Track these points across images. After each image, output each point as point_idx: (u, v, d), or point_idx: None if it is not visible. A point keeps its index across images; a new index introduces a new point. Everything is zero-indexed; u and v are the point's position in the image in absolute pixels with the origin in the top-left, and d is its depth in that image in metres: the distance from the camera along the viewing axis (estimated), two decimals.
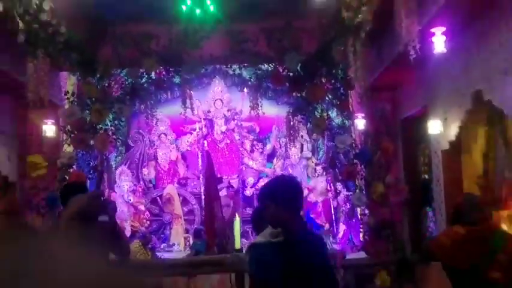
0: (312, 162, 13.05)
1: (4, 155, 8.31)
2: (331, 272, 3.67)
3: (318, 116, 8.98)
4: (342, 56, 7.84)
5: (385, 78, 8.28)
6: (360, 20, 6.87)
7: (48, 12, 6.78)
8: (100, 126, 8.89)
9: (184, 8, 8.06)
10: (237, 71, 10.09)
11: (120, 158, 13.13)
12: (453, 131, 6.99)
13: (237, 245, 11.13)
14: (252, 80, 9.68)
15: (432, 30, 5.76)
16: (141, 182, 12.99)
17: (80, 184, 5.44)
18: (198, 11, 8.13)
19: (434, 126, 7.23)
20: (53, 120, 8.44)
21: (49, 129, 8.32)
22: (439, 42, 5.75)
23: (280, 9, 8.50)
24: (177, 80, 9.90)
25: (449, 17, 5.84)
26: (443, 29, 5.71)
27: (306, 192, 12.54)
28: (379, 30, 7.39)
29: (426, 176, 8.35)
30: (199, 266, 4.90)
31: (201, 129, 13.27)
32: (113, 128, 9.29)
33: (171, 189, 12.80)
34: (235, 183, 12.84)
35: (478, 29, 6.16)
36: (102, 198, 2.44)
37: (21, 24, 6.25)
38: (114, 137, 12.67)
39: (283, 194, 3.45)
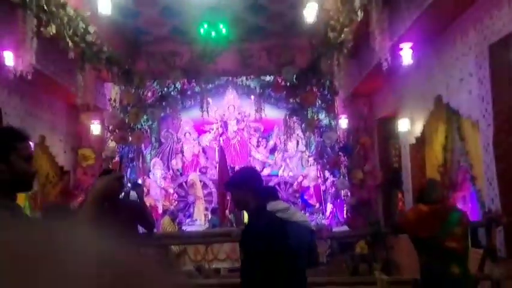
0: (306, 154, 12.86)
1: (61, 148, 8.19)
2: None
3: (310, 118, 8.82)
4: (328, 68, 7.66)
5: (363, 86, 8.07)
6: (342, 39, 6.69)
7: (93, 34, 6.65)
8: (136, 126, 8.78)
9: (202, 30, 7.90)
10: (245, 83, 9.92)
11: (154, 151, 13.01)
12: (418, 128, 6.79)
13: (246, 218, 11.01)
14: (256, 88, 9.51)
15: (401, 45, 5.55)
16: (170, 171, 12.85)
17: (113, 171, 5.23)
18: (213, 33, 7.97)
19: (403, 125, 7.03)
20: (98, 121, 8.32)
21: (95, 128, 8.20)
22: (406, 55, 5.55)
23: (278, 31, 8.34)
24: (198, 89, 9.76)
25: (414, 35, 5.64)
26: (410, 44, 5.51)
27: (300, 178, 12.38)
28: (358, 47, 7.20)
29: (396, 165, 8.14)
30: (213, 237, 4.74)
31: (217, 128, 13.13)
32: (147, 128, 9.19)
33: (194, 176, 12.65)
34: None
35: (438, 45, 5.95)
36: (122, 180, 2.25)
37: (70, 44, 6.10)
38: (149, 135, 12.71)
39: (246, 181, 3.07)
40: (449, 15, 5.37)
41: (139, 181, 8.78)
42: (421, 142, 6.98)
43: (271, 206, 3.41)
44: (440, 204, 4.40)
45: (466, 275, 4.18)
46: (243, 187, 3.00)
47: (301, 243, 3.40)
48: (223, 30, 7.92)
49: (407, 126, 6.94)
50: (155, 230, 4.53)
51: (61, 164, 8.15)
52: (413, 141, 6.98)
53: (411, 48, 5.53)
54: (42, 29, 5.65)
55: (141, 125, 8.97)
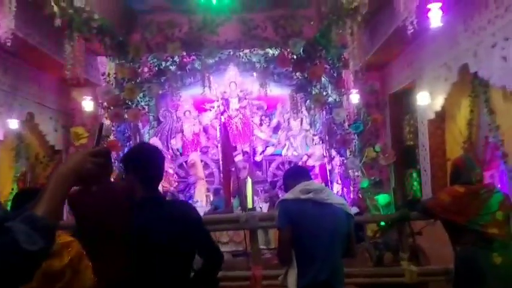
0: (310, 133, 12.21)
1: (51, 126, 7.53)
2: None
3: (317, 93, 8.13)
4: (339, 39, 6.95)
5: (376, 58, 7.38)
6: (357, 4, 5.97)
7: None
8: (133, 102, 8.09)
9: None
10: (249, 56, 9.09)
11: (152, 130, 12.34)
12: (438, 102, 6.13)
13: (249, 202, 10.43)
14: (260, 62, 8.77)
15: (429, 6, 4.83)
16: (170, 150, 12.20)
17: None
18: (214, 0, 7.23)
19: (421, 98, 6.36)
20: (91, 97, 7.63)
21: (88, 104, 7.52)
22: (435, 17, 4.83)
23: None
24: (198, 65, 9.05)
25: None
26: (440, 4, 4.79)
27: (305, 158, 11.74)
28: (373, 14, 6.50)
29: (411, 143, 7.50)
30: (219, 223, 4.13)
31: (218, 106, 12.43)
32: (144, 106, 8.50)
33: (194, 156, 12.01)
34: (248, 150, 12.08)
35: (465, 8, 5.24)
36: (105, 157, 1.54)
37: (55, 9, 5.38)
38: (147, 113, 12.01)
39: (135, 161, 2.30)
40: None
41: None
42: (442, 117, 6.33)
43: (304, 186, 2.88)
44: (479, 185, 3.77)
45: (510, 265, 3.57)
46: (127, 168, 2.27)
47: (336, 229, 2.82)
48: None
49: (427, 100, 6.27)
50: None
51: (52, 143, 7.50)
52: (433, 116, 6.33)
53: (440, 9, 4.80)
54: None
55: (138, 102, 8.27)
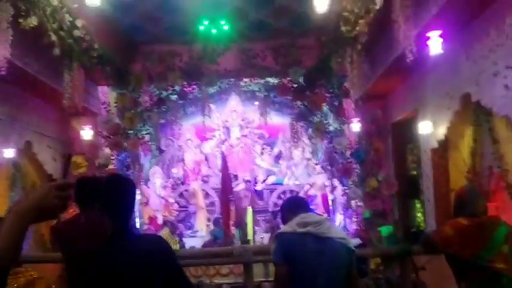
0: (312, 162, 12.07)
1: (50, 155, 7.43)
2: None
3: (318, 122, 8.04)
4: (339, 67, 6.90)
5: (377, 86, 7.27)
6: (356, 33, 5.93)
7: (81, 28, 5.91)
8: (133, 132, 8.02)
9: (202, 27, 7.15)
10: (249, 86, 9.04)
11: (154, 159, 12.25)
12: (441, 131, 6.00)
13: (250, 232, 10.21)
14: (260, 90, 8.72)
15: (428, 34, 4.77)
16: (171, 179, 12.07)
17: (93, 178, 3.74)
18: (214, 30, 7.23)
19: (424, 127, 6.23)
20: (90, 126, 7.55)
21: (87, 133, 7.43)
22: (435, 45, 4.75)
23: (284, 28, 7.59)
24: (199, 94, 9.01)
25: (440, 25, 4.87)
26: (439, 32, 4.72)
27: (307, 187, 11.55)
28: (372, 43, 6.45)
29: (414, 172, 7.34)
30: (212, 256, 3.95)
31: (220, 135, 12.35)
32: (144, 134, 8.42)
33: (195, 185, 11.84)
34: (249, 179, 11.91)
35: (467, 36, 5.17)
36: (67, 191, 1.43)
37: (54, 37, 5.35)
38: (149, 142, 11.92)
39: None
40: (482, 0, 4.62)
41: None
42: (445, 146, 6.18)
43: (301, 219, 2.74)
44: (483, 217, 3.60)
45: None
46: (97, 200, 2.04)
47: (336, 265, 2.65)
48: (225, 27, 7.17)
49: (429, 129, 6.15)
50: None
51: (50, 172, 7.37)
52: (436, 145, 6.19)
53: (440, 36, 4.73)
54: (21, 20, 4.91)
55: (139, 131, 8.20)
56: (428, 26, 4.89)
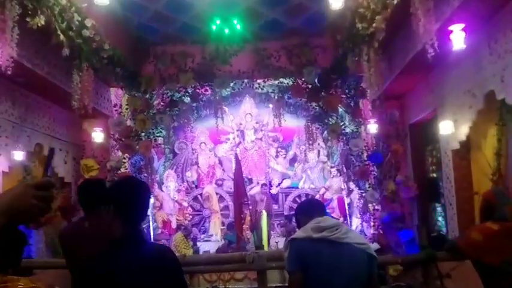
0: (328, 165, 11.78)
1: (61, 158, 7.30)
2: None
3: (334, 123, 7.77)
4: (356, 66, 6.64)
5: (394, 86, 6.97)
6: (373, 30, 5.67)
7: (91, 28, 5.76)
8: (146, 134, 7.85)
9: (214, 27, 6.96)
10: (263, 87, 8.79)
11: (168, 163, 12.10)
12: (463, 131, 5.68)
13: (264, 236, 9.96)
14: (274, 92, 8.49)
15: (450, 27, 4.48)
16: (185, 183, 11.89)
17: (98, 181, 3.35)
18: (226, 30, 7.03)
19: (444, 128, 5.91)
20: (101, 128, 7.41)
21: (98, 136, 7.29)
22: (458, 39, 4.46)
23: (299, 27, 7.35)
24: (212, 97, 8.84)
25: (462, 18, 4.58)
26: (462, 25, 4.43)
27: (322, 190, 11.26)
28: (389, 41, 6.18)
29: (434, 175, 7.01)
30: (224, 263, 3.73)
31: (234, 138, 12.14)
32: (156, 137, 8.24)
33: (209, 189, 11.64)
34: (264, 182, 11.66)
35: (491, 30, 4.86)
36: (48, 190, 1.26)
37: (62, 37, 5.21)
38: (163, 145, 11.78)
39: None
40: None
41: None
42: (467, 147, 5.87)
43: (316, 223, 2.50)
44: None
45: None
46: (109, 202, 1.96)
47: (355, 273, 2.40)
48: (238, 27, 6.97)
49: (450, 130, 5.84)
50: None
51: (61, 175, 7.26)
52: (457, 146, 5.87)
53: (463, 30, 4.44)
54: (28, 19, 4.77)
55: (152, 134, 8.03)
56: (449, 19, 4.60)
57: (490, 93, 5.05)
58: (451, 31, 4.44)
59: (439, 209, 6.81)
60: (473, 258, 3.38)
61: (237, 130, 12.08)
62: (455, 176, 5.96)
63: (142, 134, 7.71)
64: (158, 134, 8.32)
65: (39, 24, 4.85)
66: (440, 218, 6.77)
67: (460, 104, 5.70)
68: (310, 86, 7.63)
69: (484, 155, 5.55)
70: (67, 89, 6.31)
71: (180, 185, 11.63)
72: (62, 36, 5.13)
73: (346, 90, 7.52)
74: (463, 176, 5.92)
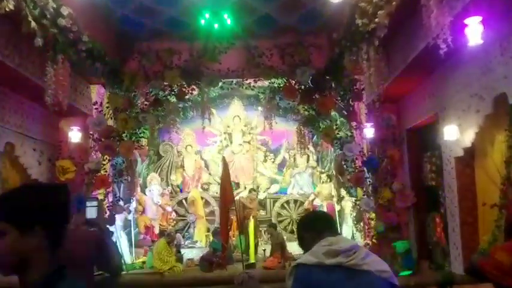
0: (317, 170, 11.30)
1: (35, 159, 6.68)
2: None
3: (327, 126, 7.27)
4: (352, 67, 6.17)
5: (392, 89, 6.50)
6: (374, 26, 5.20)
7: (67, 17, 5.18)
8: (128, 135, 7.24)
9: (203, 21, 6.42)
10: (252, 88, 8.21)
11: (152, 166, 11.50)
12: (469, 137, 5.24)
13: (251, 243, 9.40)
14: (265, 93, 7.96)
15: (466, 20, 4.01)
16: (169, 187, 11.30)
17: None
18: (216, 25, 6.50)
19: (448, 133, 5.46)
20: (79, 127, 6.81)
21: (75, 135, 6.69)
22: (474, 33, 3.99)
23: (293, 24, 6.86)
24: (200, 97, 8.29)
25: (475, 10, 4.12)
26: (481, 18, 3.97)
27: (312, 197, 10.75)
28: (388, 40, 5.72)
29: (433, 183, 6.56)
30: (210, 284, 3.19)
31: (221, 141, 11.60)
32: (139, 138, 7.63)
33: (195, 193, 11.04)
34: (250, 187, 11.12)
35: (502, 26, 4.42)
36: None
37: (34, 25, 4.62)
38: (147, 146, 11.17)
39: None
40: None
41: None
42: (471, 154, 5.42)
43: (329, 245, 1.94)
44: None
45: None
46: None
47: None
48: (228, 21, 6.45)
49: (454, 135, 5.39)
50: (119, 275, 2.94)
51: (35, 177, 6.64)
52: (461, 153, 5.43)
53: (481, 23, 3.97)
54: None
55: (135, 136, 7.43)
56: (462, 13, 4.15)
57: (500, 97, 4.62)
58: (463, 25, 3.98)
59: (437, 219, 6.35)
60: (496, 282, 2.90)
61: (225, 133, 11.56)
62: (458, 184, 5.50)
63: (124, 135, 7.11)
64: (141, 135, 7.73)
65: (7, 9, 4.26)
66: (438, 229, 6.31)
67: (466, 108, 5.26)
68: (303, 87, 7.12)
69: (493, 162, 5.10)
70: (41, 83, 5.72)
71: (164, 189, 11.03)
72: (33, 24, 4.54)
73: (341, 92, 7.02)
74: (467, 185, 5.47)
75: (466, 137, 5.25)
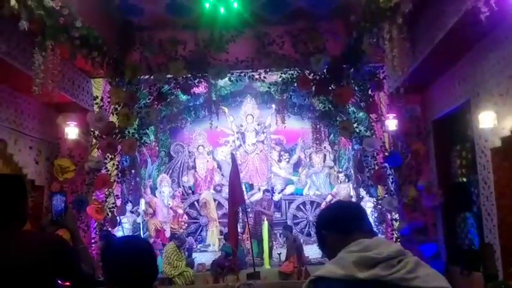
0: (334, 170, 10.60)
1: (31, 157, 6.17)
2: None
3: (345, 120, 6.61)
4: (372, 52, 5.50)
5: (416, 77, 5.81)
6: (397, 1, 4.53)
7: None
8: (130, 132, 6.71)
9: (207, 6, 5.83)
10: (266, 81, 7.56)
11: (163, 167, 10.96)
12: (507, 125, 4.52)
13: (265, 247, 8.77)
14: (278, 85, 7.33)
15: None
16: (181, 188, 10.75)
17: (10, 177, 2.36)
18: (222, 9, 5.90)
19: (483, 122, 4.74)
20: (75, 123, 6.28)
21: (72, 131, 6.16)
22: None
23: (306, 8, 6.23)
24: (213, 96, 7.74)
25: None
26: None
27: (329, 198, 10.05)
28: (412, 21, 5.04)
29: (464, 179, 5.82)
30: None
31: (234, 141, 11.00)
32: (142, 136, 7.08)
33: (207, 195, 10.48)
34: (265, 188, 10.49)
35: None
36: None
37: (14, 3, 4.09)
38: (157, 147, 10.65)
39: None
40: None
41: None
42: (511, 144, 4.69)
43: (363, 250, 1.33)
44: None
45: None
46: None
47: None
48: (235, 5, 5.84)
49: (491, 123, 4.66)
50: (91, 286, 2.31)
51: (31, 177, 6.12)
52: (498, 143, 4.70)
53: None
54: None
55: (138, 133, 6.87)
56: None
57: None
58: None
59: (470, 219, 5.61)
60: None
61: (237, 132, 10.95)
62: (495, 179, 4.77)
63: (127, 132, 6.57)
64: (144, 132, 7.18)
65: None
66: (472, 230, 5.57)
67: (503, 93, 4.54)
68: (318, 77, 6.47)
69: None
70: (31, 73, 5.19)
71: (176, 191, 10.48)
72: (13, 2, 4.01)
73: (360, 82, 6.35)
74: (505, 180, 4.73)
75: (505, 126, 4.52)
